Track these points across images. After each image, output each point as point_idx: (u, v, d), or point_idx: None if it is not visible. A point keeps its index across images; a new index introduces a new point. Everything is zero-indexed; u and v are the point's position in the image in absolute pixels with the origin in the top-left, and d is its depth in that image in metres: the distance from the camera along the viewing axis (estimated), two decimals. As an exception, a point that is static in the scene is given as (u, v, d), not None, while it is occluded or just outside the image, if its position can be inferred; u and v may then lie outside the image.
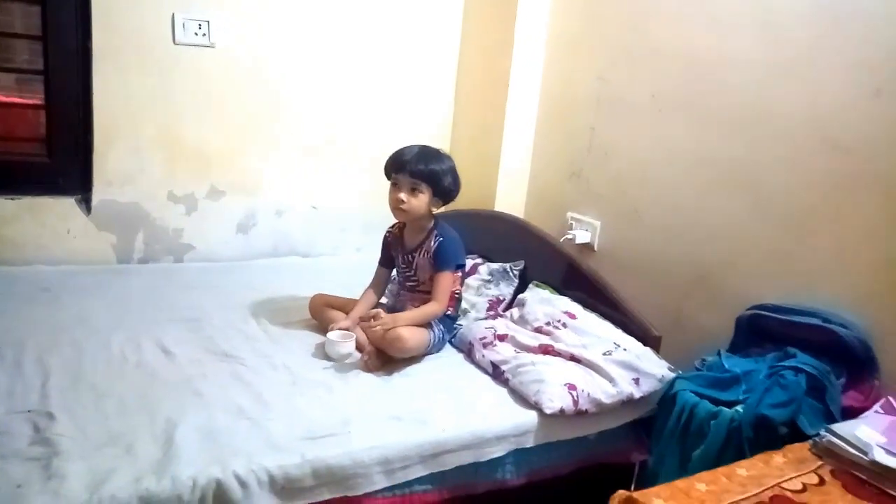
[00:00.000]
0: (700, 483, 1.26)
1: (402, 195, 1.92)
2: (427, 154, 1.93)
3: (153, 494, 1.22)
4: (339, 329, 1.92)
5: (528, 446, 1.64)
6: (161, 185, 2.47)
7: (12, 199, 2.27)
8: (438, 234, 1.99)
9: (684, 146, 2.11)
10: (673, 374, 1.77)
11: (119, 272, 2.39)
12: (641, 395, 1.73)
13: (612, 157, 2.38)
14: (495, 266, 2.33)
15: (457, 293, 2.04)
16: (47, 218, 2.33)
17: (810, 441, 1.41)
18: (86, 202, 2.38)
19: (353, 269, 2.48)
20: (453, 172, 1.96)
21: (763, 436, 1.50)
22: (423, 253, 2.00)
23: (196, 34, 2.41)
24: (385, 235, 2.14)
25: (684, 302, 2.09)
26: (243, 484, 1.29)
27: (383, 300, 2.17)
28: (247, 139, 2.58)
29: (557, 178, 2.59)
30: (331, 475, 1.38)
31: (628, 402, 1.74)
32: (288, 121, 2.64)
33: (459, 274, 2.03)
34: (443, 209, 2.10)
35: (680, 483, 1.26)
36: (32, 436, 1.37)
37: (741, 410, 1.55)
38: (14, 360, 1.68)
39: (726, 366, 1.69)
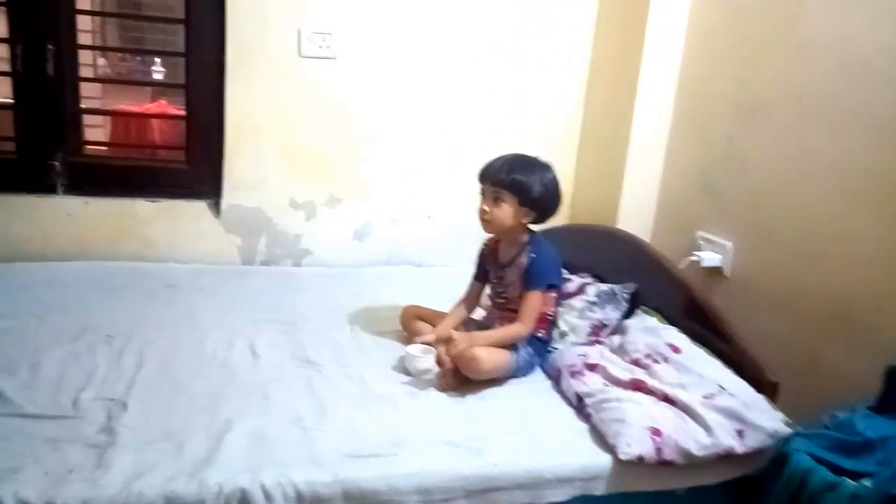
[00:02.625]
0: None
1: (485, 205, 1.80)
2: (516, 162, 1.80)
3: (178, 496, 1.22)
4: (422, 343, 1.85)
5: (597, 493, 1.44)
6: (282, 191, 2.57)
7: (153, 201, 2.49)
8: (532, 251, 1.84)
9: (834, 157, 1.77)
10: (789, 430, 1.46)
11: (241, 273, 2.52)
12: (745, 450, 1.45)
13: (749, 169, 2.07)
14: (604, 287, 2.12)
15: (549, 315, 1.88)
16: (181, 219, 2.52)
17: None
18: (216, 206, 2.54)
19: (464, 281, 2.39)
20: (546, 182, 1.80)
21: (895, 521, 1.18)
22: (515, 269, 1.87)
23: (320, 47, 2.48)
24: (481, 248, 2.03)
25: (821, 342, 1.74)
26: (268, 496, 1.25)
27: (476, 315, 2.06)
28: (365, 148, 2.61)
29: (687, 191, 2.32)
30: (362, 498, 1.30)
31: (728, 458, 1.46)
32: (405, 130, 2.63)
33: (552, 294, 1.87)
34: (549, 224, 1.94)
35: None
36: (103, 423, 1.44)
37: (868, 485, 1.23)
38: (119, 349, 1.81)
39: (859, 427, 1.36)
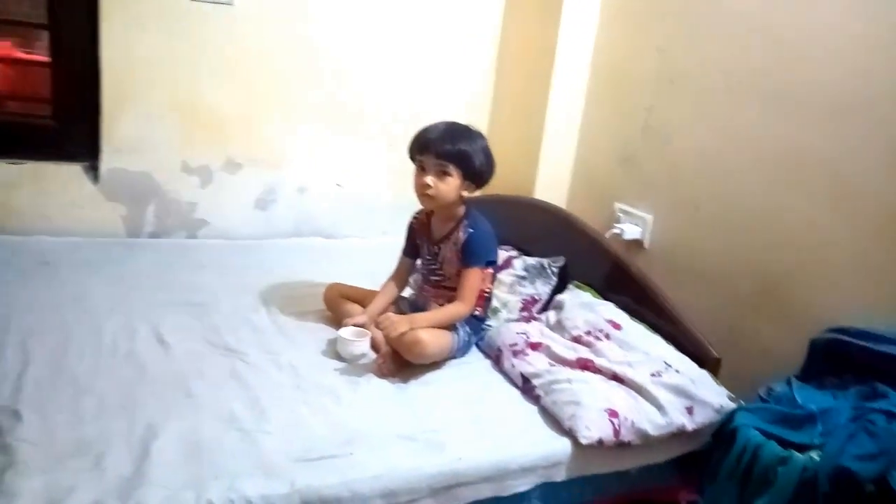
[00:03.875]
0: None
1: (429, 179, 1.69)
2: (455, 131, 1.69)
3: (111, 527, 1.04)
4: (354, 326, 1.72)
5: (557, 480, 1.42)
6: (174, 154, 2.28)
7: (15, 163, 2.12)
8: (469, 225, 1.76)
9: (757, 133, 1.83)
10: (733, 405, 1.52)
11: (127, 246, 2.23)
12: (695, 426, 1.49)
13: (670, 141, 2.10)
14: (531, 261, 2.09)
15: (486, 292, 1.82)
16: (51, 185, 2.17)
17: (905, 506, 1.17)
18: (93, 170, 2.22)
19: (378, 253, 2.27)
20: (486, 152, 1.72)
21: (844, 493, 1.25)
22: (450, 245, 1.78)
23: (214, -11, 2.20)
24: (410, 222, 1.92)
25: (747, 315, 1.82)
26: (218, 515, 1.10)
27: (406, 293, 1.95)
28: (268, 108, 2.38)
29: (606, 163, 2.33)
30: (324, 508, 1.18)
31: (679, 435, 1.50)
32: (313, 90, 2.42)
33: (490, 271, 1.80)
34: (476, 194, 1.86)
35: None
36: (-9, 439, 1.20)
37: (817, 458, 1.30)
38: (-6, 342, 1.52)
39: (799, 399, 1.43)
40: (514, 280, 2.06)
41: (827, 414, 1.38)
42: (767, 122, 1.79)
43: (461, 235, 1.75)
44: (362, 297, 1.86)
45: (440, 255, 1.80)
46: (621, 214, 2.24)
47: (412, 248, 1.91)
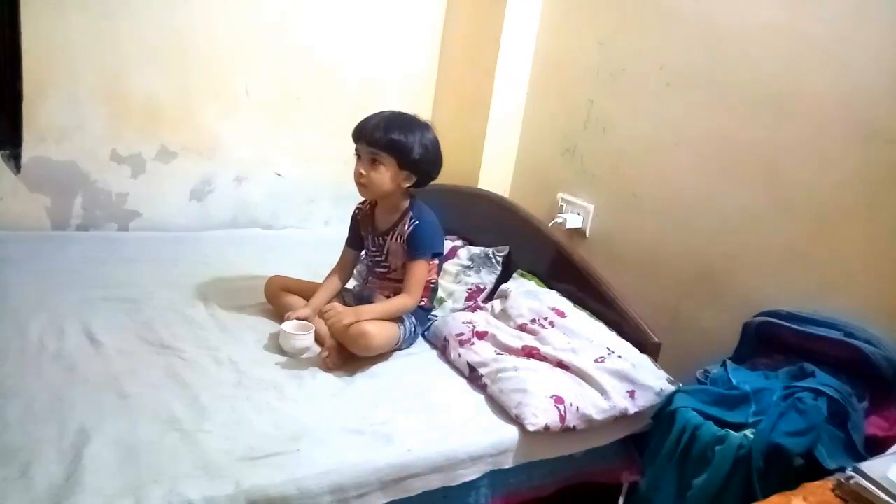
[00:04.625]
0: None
1: (361, 168, 1.66)
2: (394, 121, 1.66)
3: (43, 539, 0.98)
4: (297, 319, 1.69)
5: (506, 467, 1.43)
6: (103, 142, 2.18)
7: (-74, 152, 1.98)
8: (414, 217, 1.74)
9: (694, 125, 1.88)
10: (673, 388, 1.56)
11: (53, 240, 2.12)
12: (637, 410, 1.53)
13: (610, 133, 2.14)
14: (476, 250, 2.10)
15: (432, 282, 1.81)
16: (-32, 176, 2.04)
17: (832, 479, 1.22)
18: (14, 159, 2.08)
19: (320, 244, 2.24)
20: (427, 144, 1.69)
21: (776, 467, 1.30)
22: (395, 237, 1.76)
23: (143, -33, 2.10)
24: (354, 213, 1.89)
25: (683, 300, 1.88)
26: (161, 522, 1.06)
27: (350, 284, 1.93)
28: (204, 94, 2.29)
29: (549, 154, 2.35)
30: (271, 507, 1.15)
31: (622, 418, 1.53)
32: (251, 75, 2.35)
33: (435, 262, 1.79)
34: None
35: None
36: None
37: (751, 436, 1.35)
38: None
39: (734, 381, 1.49)
40: (459, 270, 2.06)
41: (760, 394, 1.43)
42: (706, 114, 1.84)
43: (406, 228, 1.74)
44: (304, 290, 1.82)
45: (385, 246, 1.78)
46: (564, 204, 2.27)
47: (356, 239, 1.88)
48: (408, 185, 1.73)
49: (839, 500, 1.19)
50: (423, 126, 1.72)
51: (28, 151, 2.09)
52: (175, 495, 1.09)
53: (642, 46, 2.03)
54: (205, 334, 1.68)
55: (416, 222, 1.73)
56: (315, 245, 2.32)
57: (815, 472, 1.27)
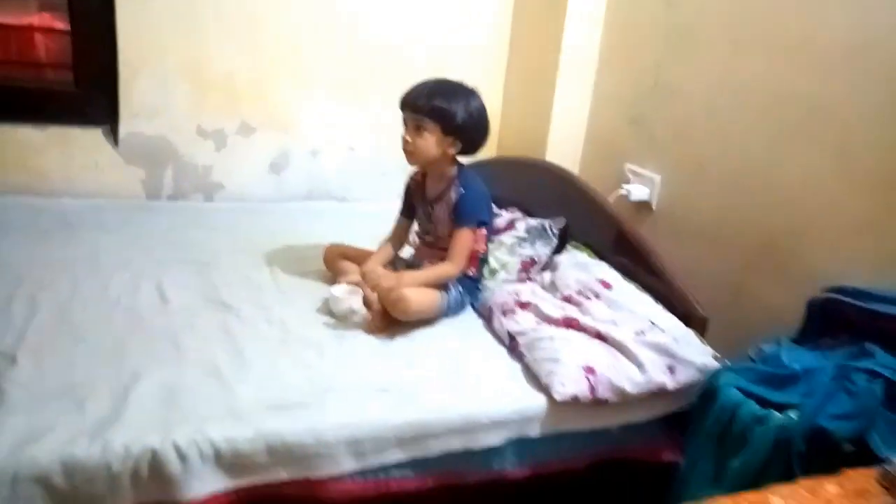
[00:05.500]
0: (778, 499, 1.00)
1: (407, 135, 1.69)
2: (438, 88, 1.67)
3: (78, 462, 1.10)
4: (347, 283, 1.75)
5: (532, 436, 1.42)
6: (188, 118, 2.35)
7: (40, 128, 2.21)
8: (461, 185, 1.75)
9: (762, 85, 1.74)
10: (717, 365, 1.48)
11: (146, 209, 2.31)
12: (676, 386, 1.46)
13: (677, 98, 2.03)
14: (533, 223, 2.07)
15: (480, 253, 1.81)
16: (75, 149, 2.26)
17: (880, 468, 1.11)
18: (113, 133, 2.30)
19: (391, 216, 2.28)
20: (472, 110, 1.68)
21: (820, 452, 1.20)
22: (443, 205, 1.77)
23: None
24: (407, 182, 1.92)
25: (747, 275, 1.76)
26: (183, 457, 1.14)
27: (406, 254, 1.97)
28: (280, 71, 2.41)
29: (616, 123, 2.27)
30: (288, 453, 1.21)
31: (660, 394, 1.47)
32: (325, 52, 2.43)
33: (483, 231, 1.79)
34: (476, 157, 1.84)
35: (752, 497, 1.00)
36: (-13, 382, 1.28)
37: (794, 417, 1.26)
38: (7, 294, 1.61)
39: (785, 359, 1.38)
40: (514, 242, 2.04)
41: (811, 374, 1.32)
42: (773, 76, 1.71)
43: (453, 196, 1.75)
44: (361, 257, 1.88)
45: (433, 215, 1.81)
46: (631, 175, 2.19)
47: (408, 209, 1.91)
48: (454, 151, 1.73)
49: (882, 488, 1.09)
50: (469, 92, 1.72)
51: (124, 127, 2.29)
52: (199, 434, 1.18)
53: (709, 3, 1.90)
54: (263, 296, 1.78)
55: (463, 190, 1.73)
56: (386, 217, 2.34)
57: (868, 460, 1.16)
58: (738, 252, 1.80)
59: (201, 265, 1.92)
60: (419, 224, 1.88)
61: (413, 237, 1.98)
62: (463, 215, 1.72)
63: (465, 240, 1.72)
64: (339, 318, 1.70)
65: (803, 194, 1.63)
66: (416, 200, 1.88)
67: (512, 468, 1.42)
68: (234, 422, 1.23)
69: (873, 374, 1.25)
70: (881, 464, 1.11)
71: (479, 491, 1.40)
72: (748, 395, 1.35)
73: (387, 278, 1.62)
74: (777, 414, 1.28)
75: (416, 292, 1.63)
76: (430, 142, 1.68)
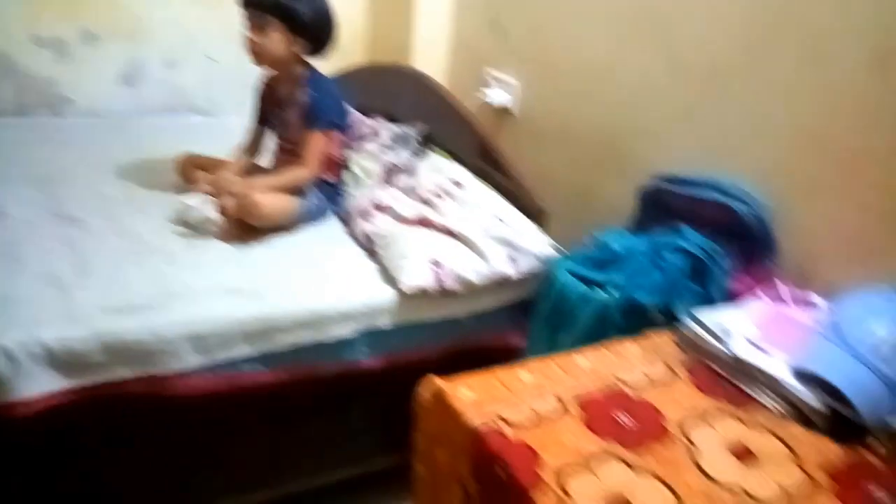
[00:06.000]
0: (526, 372, 1.11)
1: (251, 34, 1.64)
2: None
3: None
4: (200, 191, 1.71)
5: (384, 327, 1.48)
6: (21, 25, 2.16)
7: None
8: (311, 87, 1.73)
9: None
10: (554, 253, 1.58)
11: (-14, 125, 2.15)
12: (519, 275, 1.56)
13: (531, 2, 2.06)
14: (397, 130, 2.08)
15: (338, 158, 1.81)
16: None
17: (675, 329, 1.25)
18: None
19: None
20: (317, 7, 1.65)
21: (634, 322, 1.33)
22: (294, 108, 1.75)
23: None
24: (259, 87, 1.88)
25: (594, 173, 1.87)
26: (12, 358, 1.13)
27: (264, 163, 1.94)
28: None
29: (477, 26, 2.28)
30: (127, 351, 1.22)
31: (507, 283, 1.56)
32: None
33: (337, 135, 1.79)
34: (340, 66, 1.81)
35: (502, 372, 1.11)
36: None
37: (615, 294, 1.38)
38: None
39: (609, 244, 1.50)
40: (378, 149, 2.06)
41: (632, 255, 1.45)
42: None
43: (303, 98, 1.73)
44: (214, 166, 1.83)
45: (285, 119, 1.78)
46: (491, 80, 2.22)
47: (262, 114, 1.88)
48: (300, 52, 1.70)
49: (678, 346, 1.23)
50: None
51: (-51, 34, 2.09)
52: (30, 336, 1.16)
53: None
54: (114, 208, 1.71)
55: (312, 92, 1.72)
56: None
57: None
58: (586, 152, 1.89)
59: (47, 181, 1.82)
60: (276, 131, 1.86)
61: (273, 145, 1.95)
62: (313, 118, 1.71)
63: (316, 142, 1.71)
64: (193, 227, 1.67)
65: (640, 92, 1.72)
66: (268, 105, 1.84)
67: (365, 359, 1.48)
68: (68, 324, 1.21)
69: (679, 250, 1.38)
70: (677, 326, 1.25)
71: (334, 383, 1.46)
72: (578, 277, 1.46)
73: (237, 184, 1.61)
74: (600, 291, 1.40)
75: (268, 197, 1.62)
76: (276, 40, 1.64)
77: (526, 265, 1.56)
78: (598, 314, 1.37)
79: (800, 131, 1.37)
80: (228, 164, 1.82)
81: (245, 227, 1.65)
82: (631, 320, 1.34)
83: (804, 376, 1.06)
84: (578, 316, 1.40)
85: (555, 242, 1.62)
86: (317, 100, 1.71)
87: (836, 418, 1.02)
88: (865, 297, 1.14)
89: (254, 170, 1.88)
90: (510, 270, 1.54)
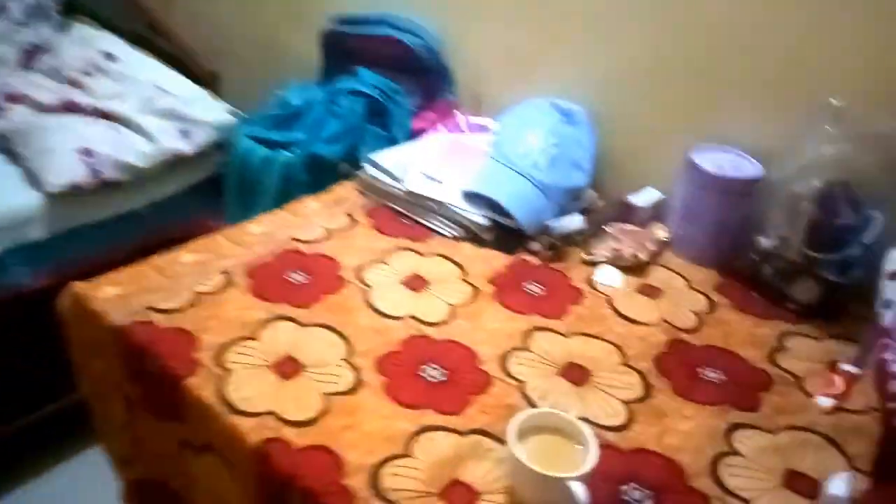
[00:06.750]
0: (188, 254, 0.99)
1: None
2: None
3: None
4: None
5: (40, 238, 1.25)
6: None
7: None
8: None
9: None
10: (233, 119, 1.43)
11: None
12: (196, 148, 1.39)
13: None
14: (30, 1, 1.70)
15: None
16: None
17: (356, 176, 1.20)
18: None
19: None
20: None
21: (322, 178, 1.25)
22: None
23: None
24: None
25: (278, 26, 1.68)
26: None
27: None
28: None
29: None
30: None
31: (185, 161, 1.39)
32: None
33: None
34: None
35: (159, 259, 0.98)
36: None
37: (298, 152, 1.28)
38: None
39: (292, 100, 1.38)
40: (8, 27, 1.67)
41: (311, 107, 1.35)
42: None
43: None
44: None
45: None
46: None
47: None
48: None
49: (360, 193, 1.18)
50: None
51: None
52: None
53: None
54: None
55: None
56: None
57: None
58: (264, 2, 1.69)
59: None
60: None
61: None
62: None
63: None
64: None
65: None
66: None
67: (26, 279, 1.25)
68: None
69: (355, 94, 1.30)
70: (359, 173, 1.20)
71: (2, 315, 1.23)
72: (260, 140, 1.33)
73: None
74: (284, 152, 1.30)
75: None
76: None
77: (202, 137, 1.39)
78: (283, 176, 1.28)
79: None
80: None
81: None
82: (318, 176, 1.26)
83: (471, 197, 1.07)
84: (264, 182, 1.30)
85: (235, 108, 1.46)
86: None
87: (502, 231, 1.06)
88: (521, 112, 1.17)
89: None
90: (183, 146, 1.37)
